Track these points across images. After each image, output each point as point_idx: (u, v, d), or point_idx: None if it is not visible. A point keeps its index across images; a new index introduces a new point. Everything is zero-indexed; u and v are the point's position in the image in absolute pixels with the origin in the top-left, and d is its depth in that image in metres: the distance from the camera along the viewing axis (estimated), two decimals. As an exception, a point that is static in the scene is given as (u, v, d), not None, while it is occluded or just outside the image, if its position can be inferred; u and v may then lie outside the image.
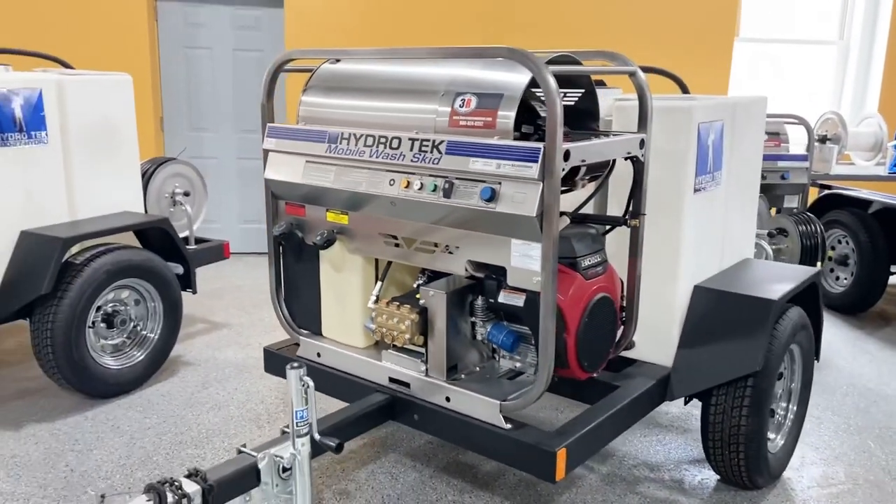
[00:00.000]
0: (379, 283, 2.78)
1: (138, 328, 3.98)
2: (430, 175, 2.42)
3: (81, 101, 3.85)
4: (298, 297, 3.07)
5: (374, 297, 2.74)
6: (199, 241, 4.69)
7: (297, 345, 3.08)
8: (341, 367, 2.91)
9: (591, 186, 2.81)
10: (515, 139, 2.31)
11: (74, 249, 3.78)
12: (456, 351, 2.63)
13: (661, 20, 6.59)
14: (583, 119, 2.71)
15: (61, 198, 3.82)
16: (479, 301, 2.63)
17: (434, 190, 2.40)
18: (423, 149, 2.42)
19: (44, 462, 3.22)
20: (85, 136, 3.88)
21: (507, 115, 2.29)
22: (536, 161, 2.17)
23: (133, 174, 4.17)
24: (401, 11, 6.54)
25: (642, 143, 2.58)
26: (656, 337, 2.96)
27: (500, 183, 2.27)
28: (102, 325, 3.82)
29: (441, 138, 2.39)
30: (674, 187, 2.82)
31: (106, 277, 3.68)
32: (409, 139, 2.46)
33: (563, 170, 2.20)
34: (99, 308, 3.78)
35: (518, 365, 2.69)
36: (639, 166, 2.62)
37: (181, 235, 4.56)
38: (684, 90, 3.60)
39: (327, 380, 2.94)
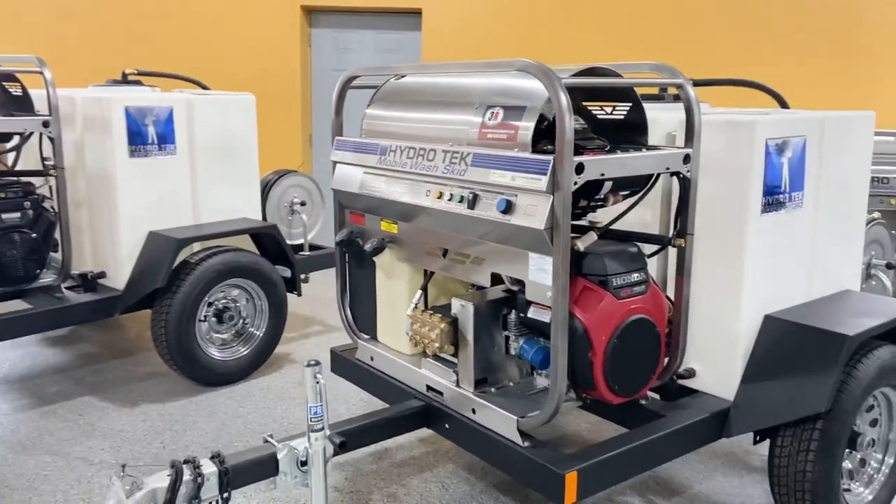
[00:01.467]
0: (420, 292, 2.84)
1: (247, 325, 4.32)
2: (459, 186, 2.45)
3: (207, 118, 4.27)
4: (360, 303, 3.21)
5: (412, 306, 2.81)
6: (314, 248, 5.00)
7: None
8: (389, 372, 3.00)
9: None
10: (544, 153, 2.28)
11: (196, 247, 4.19)
12: (486, 363, 2.63)
13: (843, 28, 6.05)
14: (632, 133, 2.61)
15: (187, 203, 4.25)
16: (513, 315, 2.61)
17: (461, 201, 2.43)
18: (454, 161, 2.46)
19: (143, 438, 3.61)
20: (210, 148, 4.29)
21: (527, 127, 2.27)
22: (545, 174, 2.14)
23: (252, 184, 4.54)
24: (531, 29, 6.57)
25: (687, 159, 2.44)
26: (718, 368, 2.76)
27: (516, 195, 2.25)
28: (213, 319, 4.20)
29: (469, 150, 2.41)
30: (736, 207, 2.62)
31: (215, 276, 4.05)
32: (443, 151, 2.51)
33: (576, 184, 2.15)
34: (210, 304, 4.16)
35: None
36: (685, 183, 2.48)
37: (297, 242, 4.92)
38: (783, 105, 3.32)
39: (378, 383, 3.04)
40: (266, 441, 2.45)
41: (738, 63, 5.82)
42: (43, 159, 3.89)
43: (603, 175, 2.23)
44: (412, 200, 2.64)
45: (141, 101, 4.01)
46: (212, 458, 2.33)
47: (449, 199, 2.48)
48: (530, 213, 2.20)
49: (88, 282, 4.12)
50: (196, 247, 4.21)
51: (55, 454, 3.43)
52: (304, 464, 2.43)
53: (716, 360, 2.76)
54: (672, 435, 2.51)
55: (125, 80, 4.61)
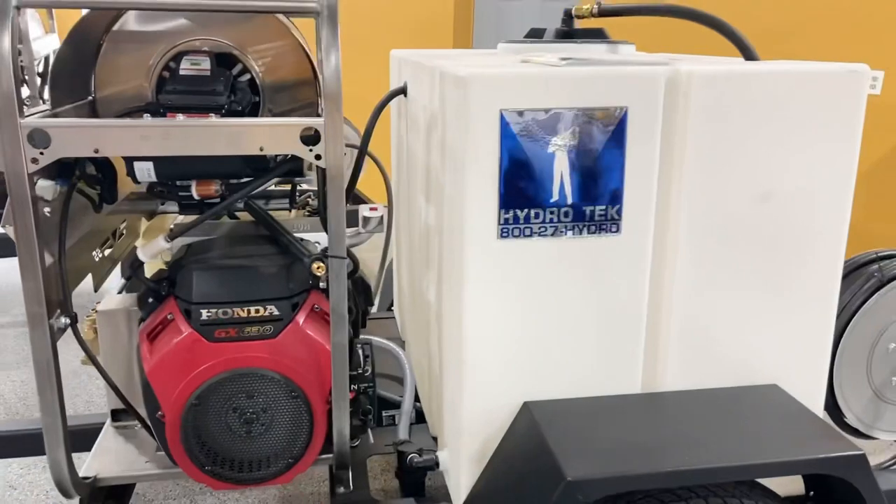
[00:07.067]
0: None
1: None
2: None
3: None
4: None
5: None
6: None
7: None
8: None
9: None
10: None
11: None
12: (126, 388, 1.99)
13: None
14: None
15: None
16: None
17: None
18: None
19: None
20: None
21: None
22: (8, 145, 1.45)
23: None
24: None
25: (314, 138, 1.49)
26: (452, 466, 1.78)
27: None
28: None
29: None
30: (454, 226, 1.58)
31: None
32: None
33: (35, 161, 1.42)
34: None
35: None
36: (323, 177, 1.54)
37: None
38: (748, 56, 1.91)
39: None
40: None
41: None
42: None
43: (98, 151, 1.44)
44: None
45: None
46: None
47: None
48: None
49: None
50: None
51: None
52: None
53: (452, 455, 1.78)
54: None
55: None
